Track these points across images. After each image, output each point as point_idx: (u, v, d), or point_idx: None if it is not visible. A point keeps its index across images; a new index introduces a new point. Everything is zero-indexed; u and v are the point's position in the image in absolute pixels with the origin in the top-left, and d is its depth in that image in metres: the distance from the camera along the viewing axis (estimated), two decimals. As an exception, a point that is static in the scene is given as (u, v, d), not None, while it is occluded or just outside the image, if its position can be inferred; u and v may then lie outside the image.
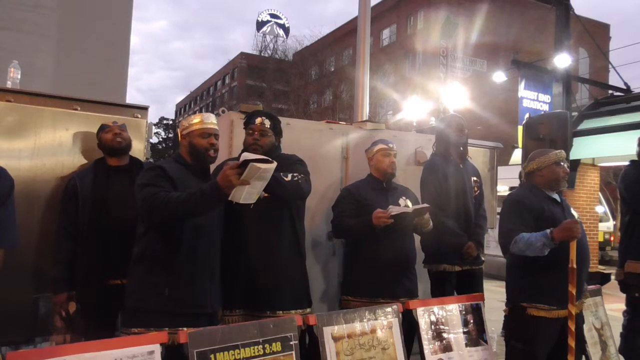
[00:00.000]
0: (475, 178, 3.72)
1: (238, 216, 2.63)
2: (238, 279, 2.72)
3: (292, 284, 2.81)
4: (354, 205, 3.21)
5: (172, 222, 2.29)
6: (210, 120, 2.49)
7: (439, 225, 3.42)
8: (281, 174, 2.67)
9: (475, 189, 3.68)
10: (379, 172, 3.32)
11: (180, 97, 65.46)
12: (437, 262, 3.54)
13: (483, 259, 3.66)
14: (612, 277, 4.53)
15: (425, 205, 3.19)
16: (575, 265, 2.70)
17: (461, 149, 3.67)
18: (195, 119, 2.48)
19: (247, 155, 2.12)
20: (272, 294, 2.73)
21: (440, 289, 3.50)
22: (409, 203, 3.29)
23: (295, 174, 2.75)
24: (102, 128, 2.97)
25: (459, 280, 3.55)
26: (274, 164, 2.16)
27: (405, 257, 3.22)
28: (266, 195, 2.64)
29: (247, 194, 2.19)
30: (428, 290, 3.69)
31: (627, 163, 3.81)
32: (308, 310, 2.85)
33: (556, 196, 3.00)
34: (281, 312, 2.70)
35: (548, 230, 2.67)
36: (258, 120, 2.85)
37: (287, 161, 2.84)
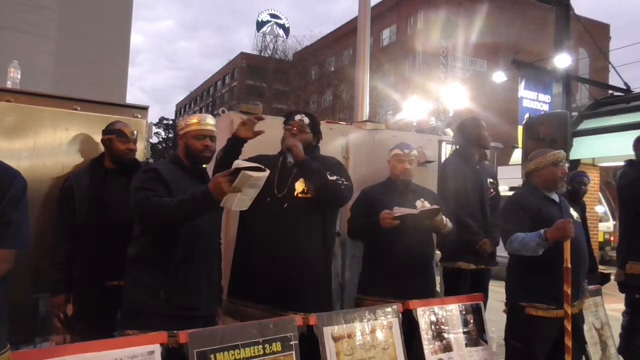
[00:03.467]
0: (491, 180, 3.80)
1: (274, 212, 2.68)
2: (266, 274, 2.71)
3: (316, 287, 2.81)
4: (367, 207, 3.19)
5: (164, 228, 2.29)
6: (207, 121, 2.48)
7: (457, 223, 3.45)
8: (328, 173, 2.71)
9: (492, 190, 3.76)
10: (393, 176, 3.31)
11: (183, 97, 65.33)
12: (453, 259, 3.57)
13: (497, 260, 3.69)
14: (612, 277, 4.53)
15: (435, 206, 3.15)
16: (569, 265, 2.70)
17: (481, 150, 3.78)
18: (193, 120, 2.48)
19: (240, 163, 2.13)
20: (298, 296, 2.73)
21: (455, 288, 3.51)
22: (427, 204, 3.25)
23: (340, 178, 2.75)
24: (120, 134, 2.88)
25: (472, 279, 3.58)
26: (267, 172, 2.16)
27: (420, 257, 3.20)
28: (307, 196, 2.70)
29: (239, 201, 2.19)
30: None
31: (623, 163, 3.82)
32: None
33: (555, 196, 3.00)
34: (303, 314, 2.66)
35: (542, 230, 2.68)
36: (297, 117, 2.91)
37: (327, 163, 2.86)
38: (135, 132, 2.94)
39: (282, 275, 2.72)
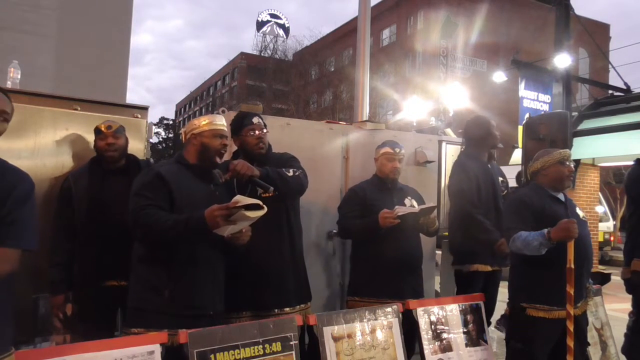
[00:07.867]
0: (502, 179, 3.76)
1: None
2: (241, 281, 2.72)
3: (294, 280, 2.84)
4: (359, 206, 3.20)
5: (155, 239, 2.28)
6: (222, 122, 2.51)
7: (472, 223, 3.43)
8: (283, 169, 2.71)
9: (503, 189, 3.72)
10: (382, 174, 3.32)
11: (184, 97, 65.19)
12: (470, 262, 3.51)
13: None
14: (613, 277, 4.53)
15: (432, 204, 3.19)
16: (572, 266, 2.69)
17: (490, 150, 3.73)
18: (208, 120, 2.48)
19: (240, 200, 2.13)
20: (277, 292, 2.75)
21: (469, 290, 3.44)
22: (415, 203, 3.28)
23: (295, 170, 2.78)
24: (97, 132, 2.88)
25: (485, 280, 3.53)
26: (264, 211, 2.18)
27: (411, 256, 3.22)
28: (269, 194, 2.67)
29: (231, 229, 2.24)
30: (430, 290, 3.69)
31: (629, 163, 3.82)
32: (309, 303, 2.91)
33: (561, 196, 2.98)
34: (288, 308, 2.72)
35: (545, 230, 2.66)
36: (256, 119, 2.87)
37: (281, 159, 2.87)
38: (111, 126, 2.86)
39: (261, 278, 2.73)
